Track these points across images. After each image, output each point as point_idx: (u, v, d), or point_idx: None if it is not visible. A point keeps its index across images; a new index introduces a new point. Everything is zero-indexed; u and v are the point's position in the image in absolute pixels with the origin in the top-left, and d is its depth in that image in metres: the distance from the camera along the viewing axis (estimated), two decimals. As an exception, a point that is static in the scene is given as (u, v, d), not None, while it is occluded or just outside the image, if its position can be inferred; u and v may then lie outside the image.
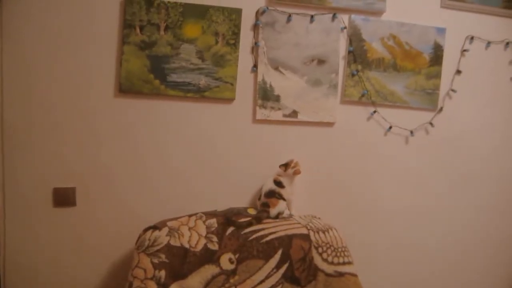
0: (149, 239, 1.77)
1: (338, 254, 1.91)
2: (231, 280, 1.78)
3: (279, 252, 1.85)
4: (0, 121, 1.87)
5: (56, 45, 1.88)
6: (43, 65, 1.87)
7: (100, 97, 1.95)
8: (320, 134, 2.20)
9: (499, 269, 2.52)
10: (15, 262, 1.92)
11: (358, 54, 2.18)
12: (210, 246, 1.82)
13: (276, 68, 2.10)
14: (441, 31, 2.25)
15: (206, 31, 2.00)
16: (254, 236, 1.86)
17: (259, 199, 2.07)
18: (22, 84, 1.86)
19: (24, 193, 1.91)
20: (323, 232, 1.94)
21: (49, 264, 1.96)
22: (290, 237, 1.88)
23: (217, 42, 2.02)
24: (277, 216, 2.00)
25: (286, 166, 2.05)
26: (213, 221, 1.88)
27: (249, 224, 1.90)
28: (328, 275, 1.85)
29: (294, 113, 2.15)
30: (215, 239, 1.84)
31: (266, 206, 2.00)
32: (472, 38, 2.31)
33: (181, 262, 1.76)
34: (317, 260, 1.87)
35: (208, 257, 1.80)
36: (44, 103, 1.89)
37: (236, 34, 2.03)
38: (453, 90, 2.32)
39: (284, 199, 2.03)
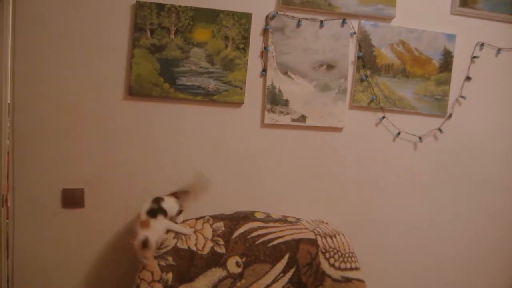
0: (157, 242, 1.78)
1: (346, 259, 1.90)
2: (238, 284, 1.78)
3: (286, 256, 1.85)
4: (11, 122, 1.90)
5: (67, 48, 1.90)
6: (54, 67, 1.90)
7: (110, 100, 1.96)
8: (329, 139, 2.20)
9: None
10: (23, 262, 1.93)
11: (367, 60, 2.18)
12: (217, 249, 1.82)
13: (285, 73, 2.11)
14: (451, 37, 2.25)
15: (216, 35, 2.01)
16: (261, 240, 1.86)
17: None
18: (33, 86, 1.89)
19: (33, 194, 1.92)
20: (331, 237, 1.94)
21: (57, 265, 1.97)
22: (297, 242, 1.88)
23: (226, 46, 2.03)
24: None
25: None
26: (220, 225, 1.88)
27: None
28: (335, 280, 1.84)
29: (303, 118, 2.15)
30: (221, 242, 1.84)
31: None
32: (482, 44, 2.30)
33: (188, 265, 1.76)
34: (324, 265, 1.86)
35: (215, 260, 1.80)
36: (54, 105, 1.91)
37: (245, 38, 2.04)
38: (462, 97, 2.31)
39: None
